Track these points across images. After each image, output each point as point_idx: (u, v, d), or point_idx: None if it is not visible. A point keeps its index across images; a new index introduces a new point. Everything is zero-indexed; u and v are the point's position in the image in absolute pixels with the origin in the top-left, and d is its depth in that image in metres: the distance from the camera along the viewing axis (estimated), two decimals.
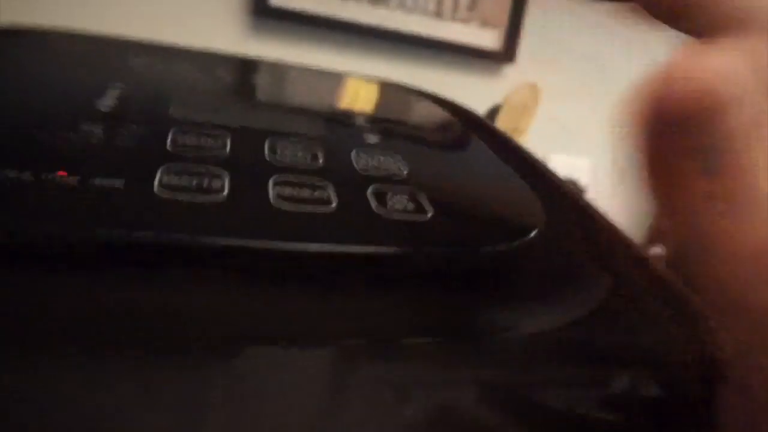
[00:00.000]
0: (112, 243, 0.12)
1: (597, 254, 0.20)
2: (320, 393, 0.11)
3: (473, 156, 0.27)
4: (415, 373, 0.12)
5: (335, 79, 0.35)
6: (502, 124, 0.76)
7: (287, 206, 0.15)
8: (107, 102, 0.20)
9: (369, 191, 0.17)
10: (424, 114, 0.32)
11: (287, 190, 0.16)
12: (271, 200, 0.15)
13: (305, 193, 0.16)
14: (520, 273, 0.16)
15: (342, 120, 0.26)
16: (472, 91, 0.93)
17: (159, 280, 0.12)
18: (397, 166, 0.20)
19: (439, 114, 0.32)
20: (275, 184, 0.16)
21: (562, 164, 1.05)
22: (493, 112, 0.79)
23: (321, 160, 0.19)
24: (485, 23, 0.98)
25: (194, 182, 0.15)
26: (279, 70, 0.34)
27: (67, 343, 0.11)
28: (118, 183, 0.14)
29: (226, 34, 0.87)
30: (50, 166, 0.14)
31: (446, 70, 0.99)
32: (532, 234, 0.18)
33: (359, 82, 0.35)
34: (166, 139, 0.17)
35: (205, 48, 0.35)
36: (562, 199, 0.25)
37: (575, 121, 1.09)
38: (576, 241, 0.20)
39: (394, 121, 0.30)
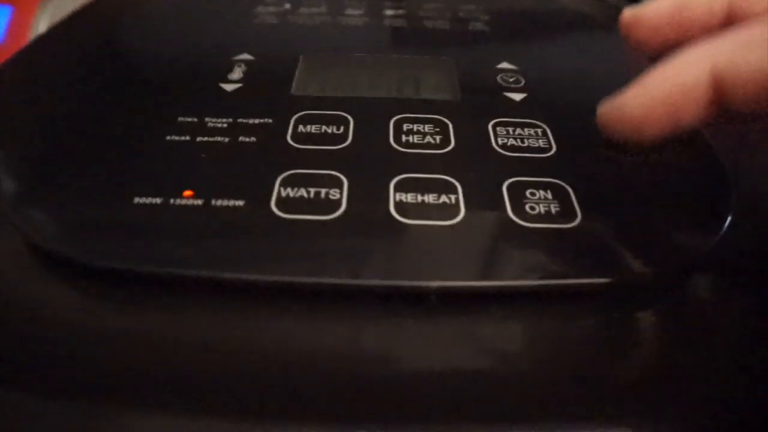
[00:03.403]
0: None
1: None
2: None
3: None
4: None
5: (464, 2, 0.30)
6: None
7: (409, 217, 0.14)
8: (233, 80, 0.20)
9: (505, 186, 0.15)
10: (572, 26, 0.27)
11: (410, 197, 0.14)
12: (392, 211, 0.14)
13: (429, 198, 0.14)
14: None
15: (479, 62, 0.22)
16: None
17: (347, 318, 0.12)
18: (541, 136, 0.17)
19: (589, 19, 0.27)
20: (396, 188, 0.15)
21: None
22: None
23: (452, 144, 0.16)
24: None
25: (312, 195, 0.14)
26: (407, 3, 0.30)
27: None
28: (239, 202, 0.14)
29: None
30: (174, 188, 0.14)
31: None
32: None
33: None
34: (287, 132, 0.17)
35: None
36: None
37: None
38: None
39: (536, 46, 0.24)
